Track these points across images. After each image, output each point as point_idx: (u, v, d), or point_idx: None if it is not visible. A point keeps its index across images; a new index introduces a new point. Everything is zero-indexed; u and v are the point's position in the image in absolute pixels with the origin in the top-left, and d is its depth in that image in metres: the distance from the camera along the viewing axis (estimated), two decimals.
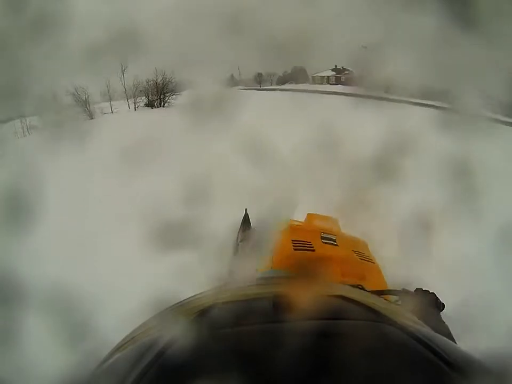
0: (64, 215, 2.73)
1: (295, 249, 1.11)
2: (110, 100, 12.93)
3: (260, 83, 15.57)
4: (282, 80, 15.45)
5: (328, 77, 15.09)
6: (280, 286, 0.36)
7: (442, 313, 0.76)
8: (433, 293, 0.82)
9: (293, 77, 15.21)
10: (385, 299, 0.87)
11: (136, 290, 1.20)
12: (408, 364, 0.24)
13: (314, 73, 15.74)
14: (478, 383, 0.23)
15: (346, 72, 14.30)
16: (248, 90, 13.50)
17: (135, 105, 13.11)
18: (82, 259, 2.08)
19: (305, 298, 0.27)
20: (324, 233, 1.22)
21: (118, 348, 0.30)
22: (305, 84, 15.09)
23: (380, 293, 0.87)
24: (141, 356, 0.25)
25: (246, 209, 1.98)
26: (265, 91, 13.80)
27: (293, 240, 1.15)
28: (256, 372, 0.22)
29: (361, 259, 1.14)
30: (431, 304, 0.78)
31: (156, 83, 13.31)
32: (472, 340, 0.56)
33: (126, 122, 7.47)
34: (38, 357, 1.25)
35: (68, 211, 2.82)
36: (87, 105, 11.30)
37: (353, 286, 0.86)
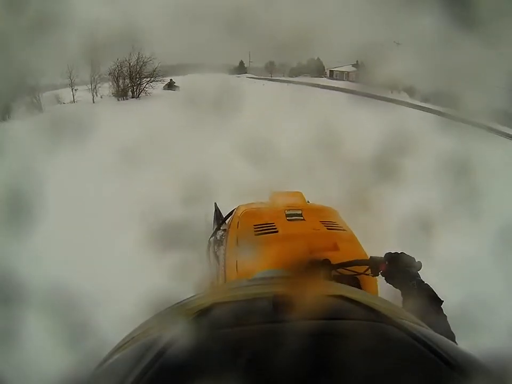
0: (64, 215, 2.73)
1: (257, 234, 1.09)
2: (72, 85, 9.12)
3: (271, 73, 13.75)
4: (296, 72, 13.48)
5: (348, 72, 12.84)
6: (280, 286, 0.36)
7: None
8: (402, 253, 0.83)
9: (308, 69, 13.27)
10: (354, 271, 0.89)
11: (136, 290, 1.20)
12: (408, 363, 0.24)
13: (333, 67, 13.69)
14: (477, 383, 0.23)
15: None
16: (255, 80, 11.81)
17: (93, 95, 9.32)
18: (82, 259, 2.08)
19: (305, 298, 0.27)
20: (288, 210, 1.19)
21: (118, 347, 0.30)
22: (322, 78, 13.10)
23: (348, 264, 0.89)
24: (141, 356, 0.25)
25: (215, 204, 1.97)
26: (274, 82, 12.15)
27: (254, 225, 1.14)
28: (256, 372, 0.22)
29: (330, 229, 1.11)
30: (403, 265, 0.79)
31: (129, 64, 9.54)
32: (473, 339, 0.56)
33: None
34: (38, 357, 1.25)
35: (68, 211, 2.82)
36: (36, 94, 7.84)
37: (320, 260, 0.88)
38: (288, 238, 1.04)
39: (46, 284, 1.45)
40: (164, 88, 10.20)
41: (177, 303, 0.34)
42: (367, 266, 0.89)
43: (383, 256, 0.86)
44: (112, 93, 9.71)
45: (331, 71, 13.95)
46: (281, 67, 13.83)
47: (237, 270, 1.02)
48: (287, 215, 1.17)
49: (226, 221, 1.51)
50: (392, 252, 0.85)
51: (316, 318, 0.25)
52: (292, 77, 13.24)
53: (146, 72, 9.89)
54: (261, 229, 1.11)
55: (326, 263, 0.87)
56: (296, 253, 0.95)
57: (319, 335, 0.24)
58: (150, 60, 9.73)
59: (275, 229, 1.10)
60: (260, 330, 0.26)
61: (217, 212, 1.88)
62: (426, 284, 0.75)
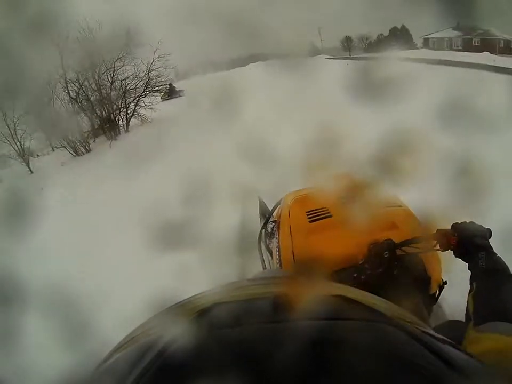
0: (65, 215, 2.73)
1: (311, 221, 1.04)
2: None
3: (349, 50, 10.53)
4: (378, 45, 10.34)
5: (450, 39, 9.21)
6: (280, 286, 0.36)
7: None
8: (471, 222, 0.76)
9: (393, 41, 10.12)
10: (417, 248, 0.82)
11: (136, 290, 1.20)
12: (408, 364, 0.24)
13: (426, 35, 9.93)
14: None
15: (480, 31, 8.43)
16: (337, 60, 8.94)
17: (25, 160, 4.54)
18: (82, 260, 2.09)
19: (305, 298, 0.27)
20: (339, 191, 1.11)
21: (118, 348, 0.30)
22: (413, 50, 9.46)
23: (413, 241, 0.83)
24: (141, 356, 0.25)
25: (259, 197, 1.92)
26: (355, 60, 8.75)
27: (307, 212, 1.09)
28: (256, 372, 0.22)
29: (386, 206, 1.05)
30: (473, 235, 0.72)
31: (97, 77, 4.83)
32: None
33: None
34: (38, 357, 1.25)
35: (68, 211, 2.82)
36: None
37: (383, 242, 0.83)
38: (345, 221, 0.98)
39: (47, 284, 1.45)
40: (163, 99, 6.81)
41: (177, 303, 0.34)
42: (435, 242, 0.80)
43: (449, 228, 0.78)
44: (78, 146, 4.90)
45: (426, 40, 9.89)
46: (360, 42, 10.14)
47: (294, 261, 0.98)
48: (339, 197, 1.10)
49: (274, 212, 1.46)
50: (460, 222, 0.77)
51: (316, 318, 0.25)
52: (373, 52, 9.65)
53: (131, 85, 5.00)
54: (314, 215, 1.06)
55: (389, 243, 0.83)
56: (354, 236, 0.90)
57: (319, 335, 0.24)
58: (132, 60, 5.04)
59: (329, 213, 1.06)
60: (260, 331, 0.26)
61: (262, 204, 1.83)
62: (498, 256, 0.68)
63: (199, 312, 0.29)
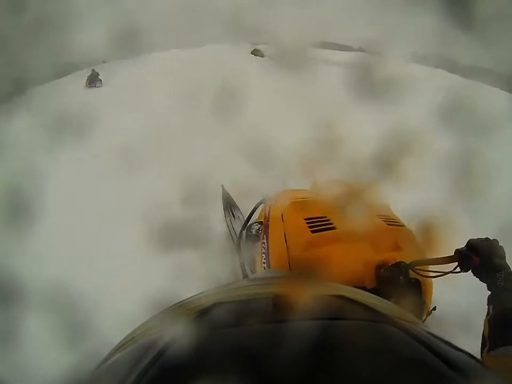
0: (65, 215, 2.73)
1: (313, 232, 0.91)
2: None
3: None
4: None
5: None
6: (280, 286, 0.36)
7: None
8: (494, 239, 0.70)
9: None
10: (427, 271, 0.75)
11: (136, 290, 1.20)
12: (408, 364, 0.24)
13: None
14: (477, 383, 0.23)
15: None
16: None
17: None
18: (82, 259, 2.08)
19: (305, 298, 0.27)
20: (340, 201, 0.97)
21: (118, 347, 0.30)
22: None
23: (426, 262, 0.74)
24: (141, 356, 0.25)
25: (222, 186, 1.84)
26: None
27: (306, 219, 0.94)
28: (256, 372, 0.22)
29: (389, 224, 0.94)
30: (495, 254, 0.66)
31: None
32: (472, 340, 0.56)
33: None
34: (38, 357, 1.25)
35: (68, 211, 2.81)
36: None
37: (394, 264, 0.75)
38: (349, 236, 0.86)
39: (46, 284, 1.45)
40: (87, 85, 6.18)
41: (178, 303, 0.34)
42: (452, 263, 0.72)
43: (466, 247, 0.71)
44: None
45: None
46: None
47: (290, 271, 0.88)
48: (340, 207, 0.97)
49: (257, 212, 1.34)
50: (481, 240, 0.70)
51: (316, 318, 0.25)
52: None
53: None
54: (315, 224, 0.93)
55: (403, 265, 0.75)
56: (361, 255, 0.81)
57: (319, 335, 0.24)
58: None
59: (331, 224, 0.93)
60: (260, 330, 0.26)
61: (225, 193, 1.71)
62: None
63: (199, 312, 0.29)
